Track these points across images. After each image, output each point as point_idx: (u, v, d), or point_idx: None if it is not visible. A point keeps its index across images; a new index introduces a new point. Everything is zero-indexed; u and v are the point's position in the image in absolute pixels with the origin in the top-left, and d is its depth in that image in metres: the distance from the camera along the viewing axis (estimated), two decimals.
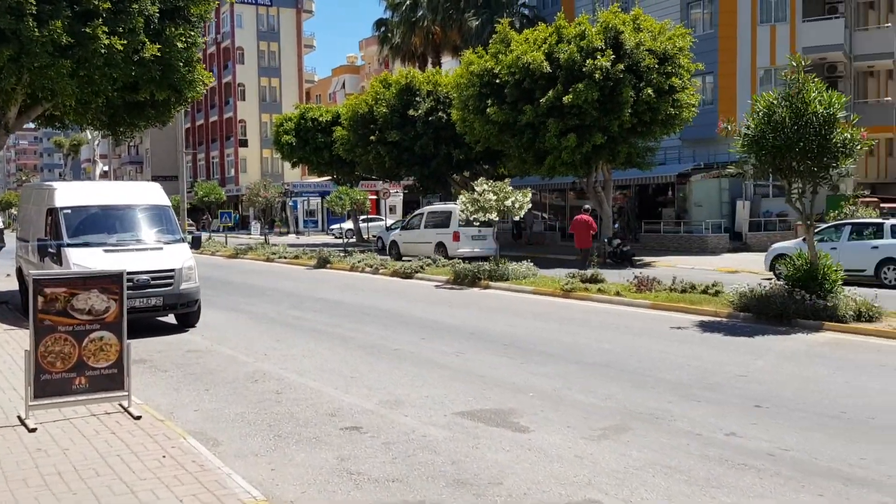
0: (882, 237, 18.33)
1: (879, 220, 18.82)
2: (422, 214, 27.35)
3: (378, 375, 9.29)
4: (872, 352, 9.97)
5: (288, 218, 60.93)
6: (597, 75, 24.96)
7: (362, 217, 47.31)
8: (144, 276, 12.53)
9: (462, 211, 18.74)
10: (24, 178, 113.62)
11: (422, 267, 20.85)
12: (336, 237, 51.71)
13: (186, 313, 13.34)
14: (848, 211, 27.00)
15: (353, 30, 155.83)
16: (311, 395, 8.36)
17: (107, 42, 14.61)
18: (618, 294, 14.93)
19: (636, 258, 26.35)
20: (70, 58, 14.49)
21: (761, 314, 12.10)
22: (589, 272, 16.86)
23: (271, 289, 19.25)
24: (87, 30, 14.33)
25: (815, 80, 11.78)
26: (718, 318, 12.73)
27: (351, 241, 46.63)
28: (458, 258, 21.37)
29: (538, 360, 9.85)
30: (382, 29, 49.92)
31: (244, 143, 72.13)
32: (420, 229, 26.41)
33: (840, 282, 12.24)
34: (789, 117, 11.44)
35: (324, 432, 7.00)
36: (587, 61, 25.32)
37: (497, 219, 18.74)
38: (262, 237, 41.35)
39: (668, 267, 24.06)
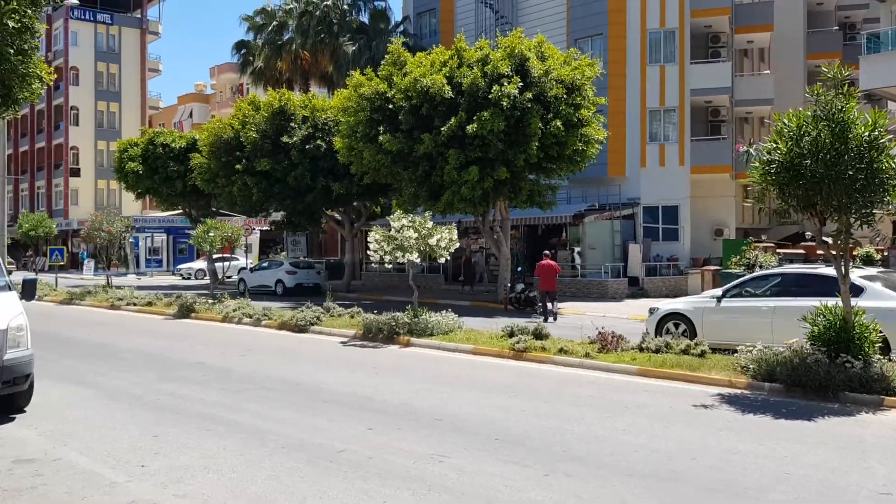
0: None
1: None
2: None
3: None
4: None
5: (127, 256, 54.54)
6: (504, 103, 22.65)
7: (216, 256, 42.58)
8: None
9: (374, 251, 15.46)
10: None
11: (318, 318, 17.24)
12: (184, 278, 46.47)
13: (12, 394, 9.19)
14: (750, 257, 26.06)
15: (204, 56, 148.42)
16: None
17: None
18: (587, 356, 12.17)
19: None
20: None
21: (795, 385, 9.69)
22: (531, 325, 14.08)
23: (127, 349, 14.97)
24: None
25: (853, 95, 9.66)
26: (738, 391, 10.19)
27: (204, 282, 41.73)
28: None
29: (568, 470, 6.77)
30: (243, 52, 45.89)
31: (76, 173, 64.58)
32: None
33: (878, 343, 10.08)
34: (829, 141, 9.21)
35: None
36: (493, 87, 22.99)
37: (418, 260, 15.61)
38: (103, 278, 35.73)
39: (577, 315, 21.85)
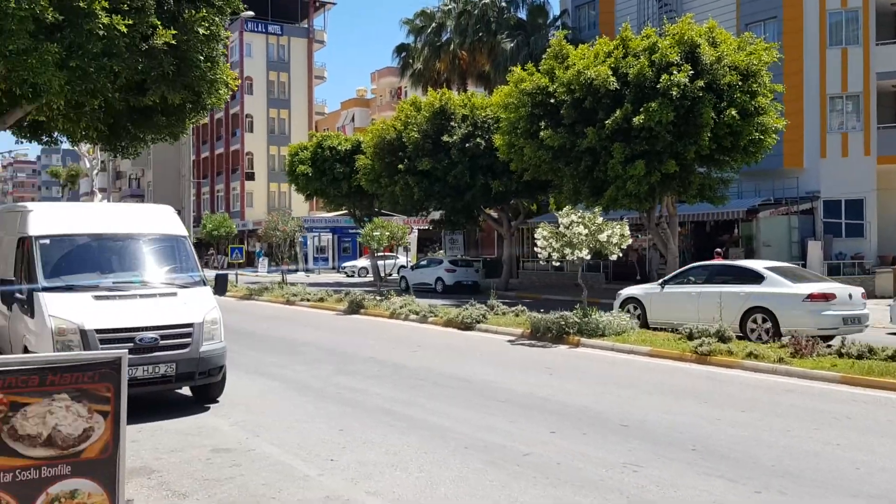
0: None
1: None
2: None
3: None
4: None
5: (297, 254, 57.36)
6: (673, 92, 21.58)
7: (378, 254, 43.81)
8: (151, 335, 8.88)
9: (543, 248, 15.13)
10: None
11: (483, 316, 17.15)
12: (348, 275, 48.19)
13: (207, 385, 9.66)
14: None
15: (365, 61, 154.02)
16: None
17: (106, 21, 11.19)
18: (781, 361, 11.25)
19: None
20: (58, 41, 11.05)
21: None
22: (712, 327, 13.24)
23: (303, 342, 15.53)
24: (81, 3, 10.89)
25: None
26: None
27: (366, 279, 43.10)
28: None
29: (782, 487, 6.14)
30: (403, 55, 46.97)
31: (251, 177, 68.85)
32: None
33: None
34: None
35: None
36: (661, 77, 21.98)
37: (588, 257, 15.14)
38: (276, 274, 37.70)
39: None
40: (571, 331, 14.58)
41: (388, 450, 7.47)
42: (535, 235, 15.32)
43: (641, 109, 21.97)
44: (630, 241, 15.30)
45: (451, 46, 42.46)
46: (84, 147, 47.25)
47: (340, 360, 13.04)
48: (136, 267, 10.02)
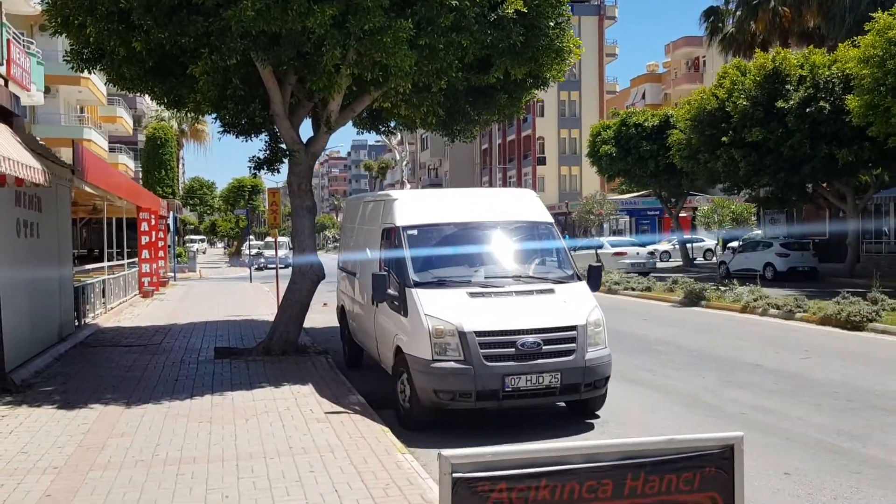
0: None
1: None
2: None
3: None
4: None
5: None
6: None
7: (686, 237, 40.48)
8: (532, 338, 7.61)
9: None
10: (336, 203, 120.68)
11: (876, 313, 13.95)
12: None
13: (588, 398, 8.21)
14: None
15: (656, 35, 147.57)
16: None
17: None
18: None
19: None
20: (409, 17, 10.26)
21: None
22: None
23: (655, 340, 13.66)
24: None
25: None
26: None
27: (670, 264, 40.15)
28: None
29: None
30: (711, 19, 42.87)
31: (542, 161, 68.45)
32: None
33: None
34: None
35: None
36: None
37: None
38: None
39: None
40: None
41: None
42: None
43: None
44: None
45: (772, 3, 37.74)
46: (394, 140, 49.67)
47: (719, 367, 10.97)
48: (505, 259, 8.87)
